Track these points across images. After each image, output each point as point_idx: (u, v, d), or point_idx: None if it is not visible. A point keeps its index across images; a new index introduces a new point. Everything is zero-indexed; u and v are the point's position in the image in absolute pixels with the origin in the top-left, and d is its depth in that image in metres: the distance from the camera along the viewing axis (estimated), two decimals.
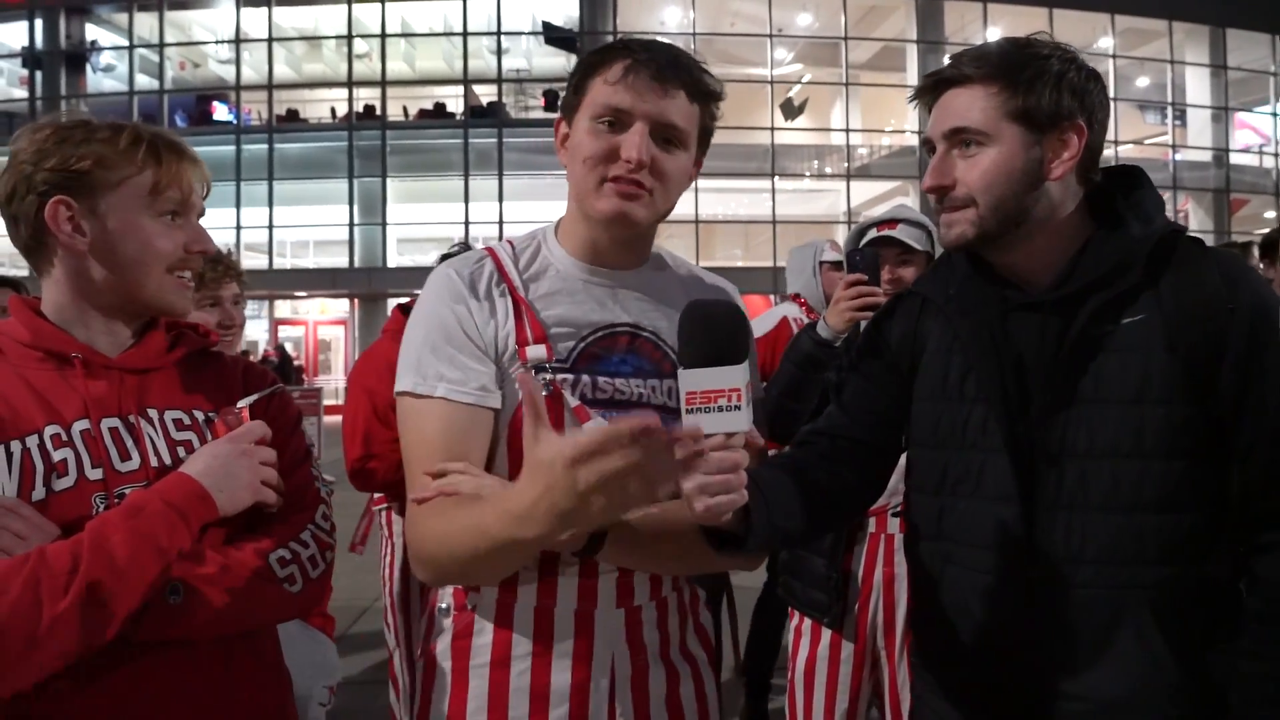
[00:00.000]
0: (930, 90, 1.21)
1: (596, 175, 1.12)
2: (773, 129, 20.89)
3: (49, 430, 1.07)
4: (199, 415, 1.19)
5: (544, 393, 1.09)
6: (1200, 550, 1.09)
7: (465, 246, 2.77)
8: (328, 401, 12.59)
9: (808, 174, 22.30)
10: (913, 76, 22.35)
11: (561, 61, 22.29)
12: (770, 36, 21.95)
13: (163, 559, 1.02)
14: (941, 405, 1.21)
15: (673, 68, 1.13)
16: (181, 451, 1.14)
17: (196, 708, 1.09)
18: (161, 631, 1.04)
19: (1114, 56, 22.65)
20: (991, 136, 1.13)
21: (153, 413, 1.16)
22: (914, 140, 21.79)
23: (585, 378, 1.14)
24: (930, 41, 22.13)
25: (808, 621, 2.04)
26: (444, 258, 2.30)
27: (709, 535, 1.07)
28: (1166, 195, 23.11)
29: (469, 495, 1.04)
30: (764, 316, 3.16)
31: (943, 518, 1.21)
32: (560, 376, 1.12)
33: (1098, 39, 23.01)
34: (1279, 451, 1.07)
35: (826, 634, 2.01)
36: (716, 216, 22.37)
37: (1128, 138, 22.87)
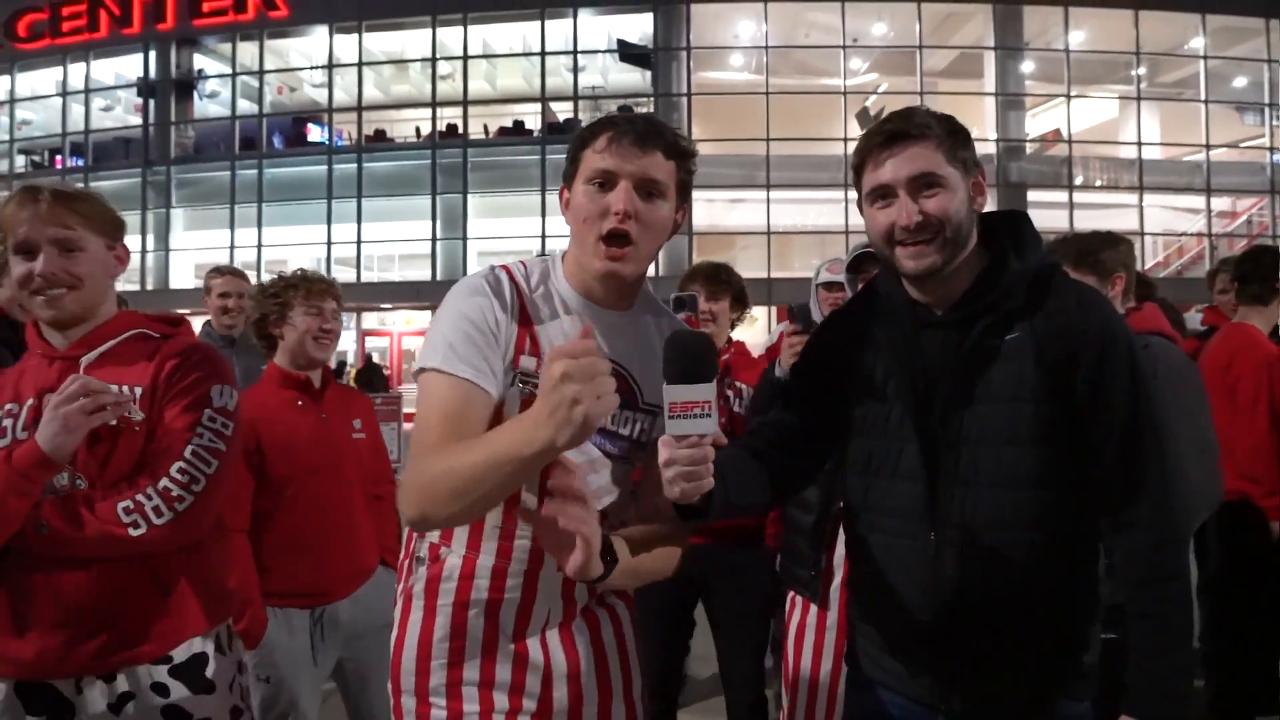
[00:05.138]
0: (884, 142, 1.41)
1: (593, 234, 1.35)
2: (846, 139, 20.88)
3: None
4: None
5: (522, 397, 1.35)
6: (1064, 520, 1.37)
7: None
8: (408, 410, 13.12)
9: None
10: (991, 83, 22.02)
11: (636, 77, 22.77)
12: (844, 47, 21.98)
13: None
14: (869, 403, 1.49)
15: (650, 133, 1.37)
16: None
17: (73, 604, 1.49)
18: (44, 549, 1.47)
19: (1205, 57, 21.87)
20: (946, 179, 1.39)
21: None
22: (992, 148, 21.46)
23: None
24: (1009, 48, 21.80)
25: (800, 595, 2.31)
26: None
27: (679, 510, 1.35)
28: (1266, 200, 22.29)
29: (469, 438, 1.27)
30: (772, 333, 3.52)
31: (868, 493, 1.49)
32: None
33: (1188, 39, 22.25)
34: (1127, 445, 1.34)
35: (815, 605, 2.26)
36: (791, 228, 22.47)
37: (1221, 141, 22.03)
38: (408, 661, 1.43)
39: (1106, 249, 2.38)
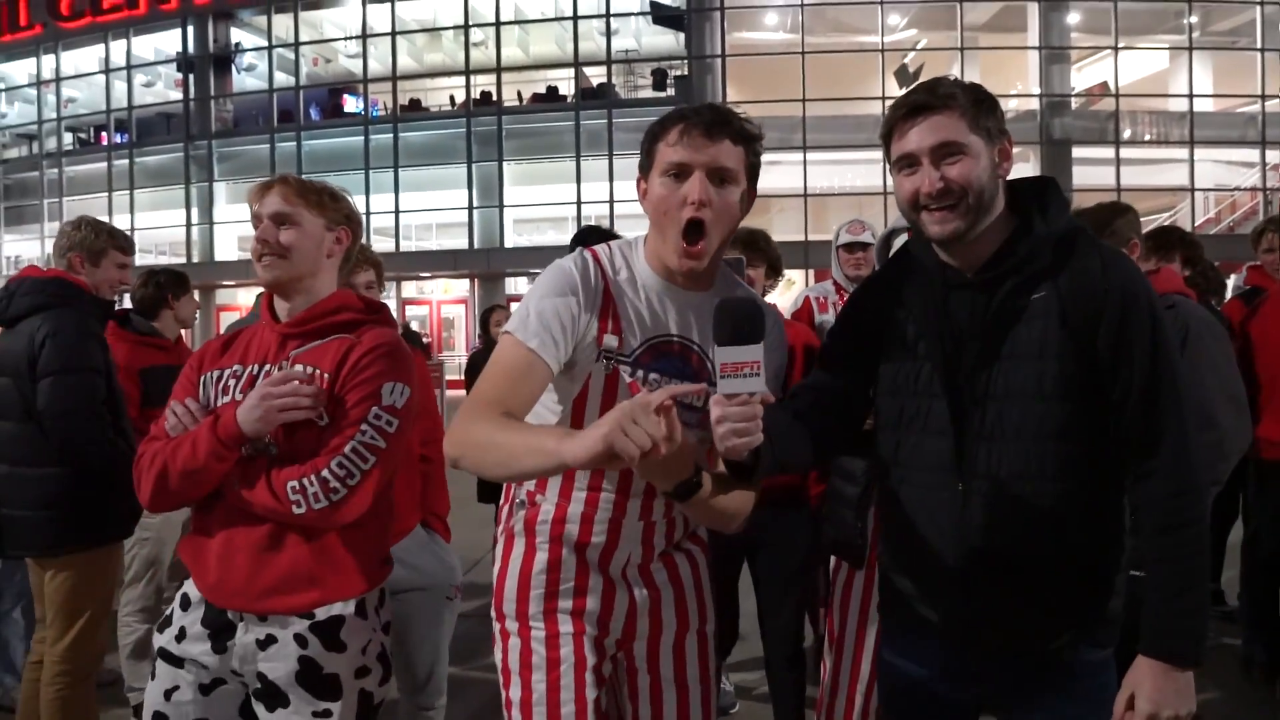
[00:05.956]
0: (909, 114, 1.47)
1: (673, 228, 1.47)
2: (884, 98, 20.48)
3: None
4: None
5: (606, 372, 1.50)
6: (1088, 472, 1.42)
7: (598, 230, 3.09)
8: (450, 376, 13.30)
9: None
10: (1034, 37, 21.41)
11: (670, 40, 22.51)
12: (882, 2, 21.48)
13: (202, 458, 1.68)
14: (900, 362, 1.55)
15: (717, 122, 1.47)
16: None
17: (255, 543, 1.70)
18: (232, 500, 1.70)
19: (1261, 3, 20.98)
20: (969, 147, 1.44)
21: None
22: (1035, 104, 20.92)
23: (640, 371, 1.52)
24: None
25: None
26: (576, 237, 2.74)
27: (730, 467, 1.43)
28: None
29: (521, 421, 1.42)
30: (795, 299, 3.50)
31: (899, 448, 1.55)
32: (624, 366, 1.51)
33: None
34: (1147, 400, 1.39)
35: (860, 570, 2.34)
36: (828, 190, 22.19)
37: (1278, 91, 21.19)
38: (510, 589, 1.61)
39: (1118, 217, 2.43)
